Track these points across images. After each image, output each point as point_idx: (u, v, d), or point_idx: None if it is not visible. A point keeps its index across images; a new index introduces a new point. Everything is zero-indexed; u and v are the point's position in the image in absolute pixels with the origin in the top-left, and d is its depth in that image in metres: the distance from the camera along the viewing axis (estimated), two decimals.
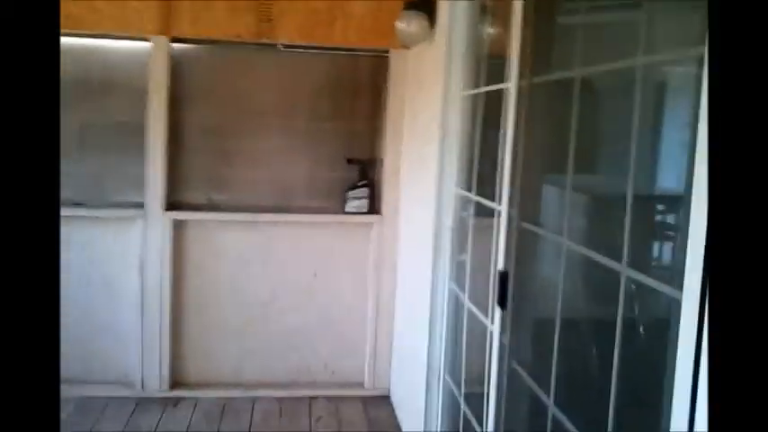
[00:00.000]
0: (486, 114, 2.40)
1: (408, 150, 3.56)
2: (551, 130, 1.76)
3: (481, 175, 2.40)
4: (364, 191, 3.69)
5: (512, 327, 1.85)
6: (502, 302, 1.88)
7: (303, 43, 3.58)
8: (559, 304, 1.56)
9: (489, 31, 2.73)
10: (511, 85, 1.91)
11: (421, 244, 3.07)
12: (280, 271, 3.75)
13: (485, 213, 2.46)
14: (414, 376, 3.10)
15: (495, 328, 1.96)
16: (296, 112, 3.75)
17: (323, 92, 3.73)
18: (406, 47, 3.55)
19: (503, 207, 1.94)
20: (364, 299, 3.80)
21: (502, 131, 2.15)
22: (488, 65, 2.52)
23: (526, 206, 1.81)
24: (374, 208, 3.73)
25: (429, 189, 2.92)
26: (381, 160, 3.72)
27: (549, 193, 1.80)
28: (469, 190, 2.55)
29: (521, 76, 1.87)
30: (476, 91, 2.55)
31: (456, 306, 2.77)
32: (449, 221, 2.79)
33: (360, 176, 3.70)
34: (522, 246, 1.82)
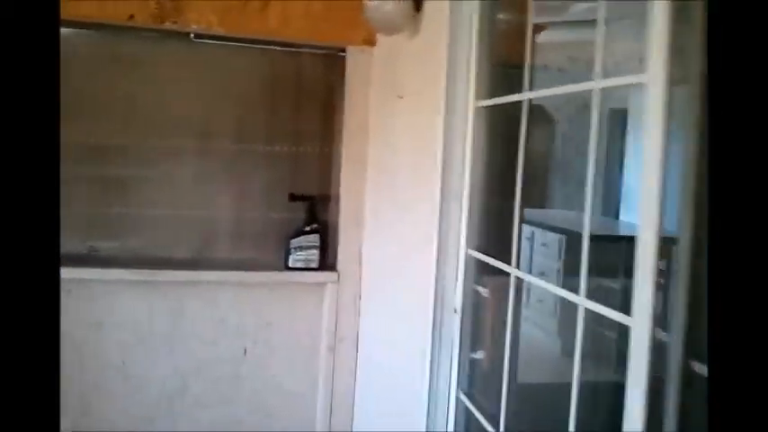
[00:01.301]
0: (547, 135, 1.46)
1: (378, 184, 2.58)
2: None
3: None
4: (313, 239, 2.69)
5: None
6: None
7: (225, 33, 2.56)
8: None
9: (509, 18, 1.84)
10: (652, 78, 0.98)
11: (407, 327, 2.10)
12: (194, 349, 2.68)
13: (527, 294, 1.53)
14: None
15: None
16: (218, 128, 2.72)
17: (255, 102, 2.72)
18: (370, 43, 2.59)
19: (637, 320, 0.98)
20: (313, 386, 2.77)
21: (595, 160, 1.22)
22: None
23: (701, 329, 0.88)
24: (327, 262, 2.73)
25: (420, 246, 1.96)
26: (337, 197, 2.72)
27: None
28: (506, 260, 1.59)
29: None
30: (512, 99, 1.61)
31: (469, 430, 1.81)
32: (456, 301, 1.83)
33: (307, 219, 2.69)
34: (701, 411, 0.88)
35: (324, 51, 2.68)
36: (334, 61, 2.68)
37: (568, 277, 3.64)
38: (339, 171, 2.71)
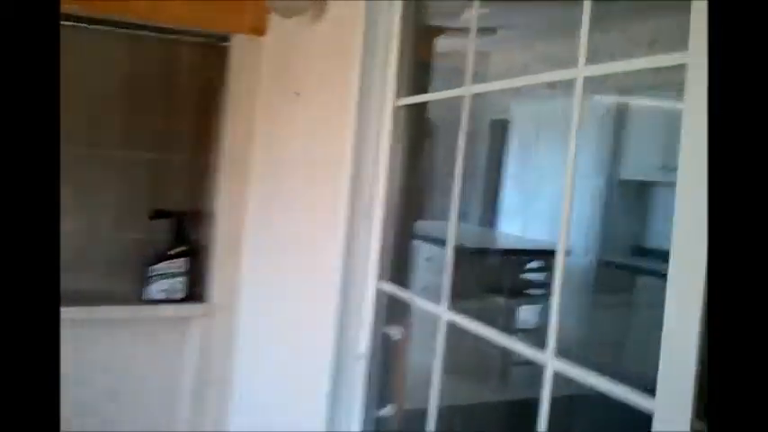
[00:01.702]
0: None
1: (264, 199, 2.18)
2: None
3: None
4: (180, 264, 2.23)
5: None
6: None
7: (79, 14, 2.08)
8: None
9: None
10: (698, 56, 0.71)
11: (297, 376, 1.71)
12: None
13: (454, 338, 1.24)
14: None
15: None
16: (63, 129, 2.18)
17: (113, 99, 2.24)
18: (259, 31, 2.21)
19: (665, 404, 0.68)
20: None
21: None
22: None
23: None
24: (196, 292, 2.27)
25: (319, 276, 1.59)
26: (211, 214, 2.29)
27: None
28: (428, 295, 1.26)
29: None
30: (450, 94, 1.30)
31: None
32: (361, 344, 1.47)
33: (173, 241, 2.23)
34: None
35: (203, 40, 2.26)
36: (215, 51, 2.26)
37: (456, 295, 3.41)
38: (214, 184, 2.28)
